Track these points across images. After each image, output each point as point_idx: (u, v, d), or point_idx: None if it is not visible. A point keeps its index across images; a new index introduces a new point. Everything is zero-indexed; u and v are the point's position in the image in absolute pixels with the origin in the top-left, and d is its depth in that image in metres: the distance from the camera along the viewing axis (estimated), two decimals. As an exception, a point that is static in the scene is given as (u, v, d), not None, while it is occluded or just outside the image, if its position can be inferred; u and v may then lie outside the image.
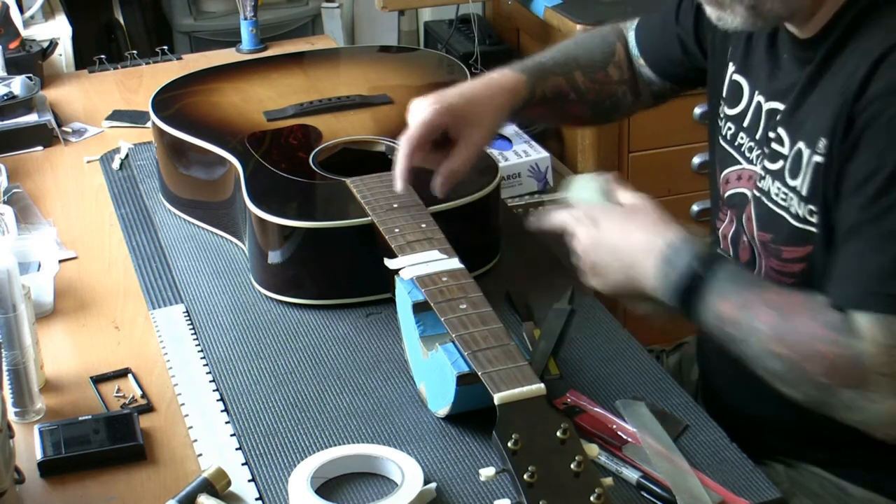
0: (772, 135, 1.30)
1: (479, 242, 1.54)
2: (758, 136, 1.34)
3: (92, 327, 1.48)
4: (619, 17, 2.38)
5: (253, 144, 1.63)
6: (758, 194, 1.31)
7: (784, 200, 1.27)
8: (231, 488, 1.16)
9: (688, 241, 1.23)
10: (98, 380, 1.36)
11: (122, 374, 1.37)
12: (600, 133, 2.46)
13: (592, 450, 0.99)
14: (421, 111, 1.40)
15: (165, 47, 2.48)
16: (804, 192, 1.24)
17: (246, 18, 2.46)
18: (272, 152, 1.61)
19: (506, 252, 1.58)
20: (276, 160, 1.58)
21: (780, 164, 1.28)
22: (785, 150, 1.27)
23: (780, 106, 1.29)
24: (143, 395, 1.33)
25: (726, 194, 1.39)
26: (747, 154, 1.36)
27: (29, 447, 1.23)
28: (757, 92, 1.35)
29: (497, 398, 1.06)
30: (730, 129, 1.40)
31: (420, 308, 1.27)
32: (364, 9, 3.27)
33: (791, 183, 1.25)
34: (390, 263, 1.33)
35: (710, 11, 1.26)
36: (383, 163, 1.62)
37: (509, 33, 2.84)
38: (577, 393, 1.29)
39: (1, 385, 1.18)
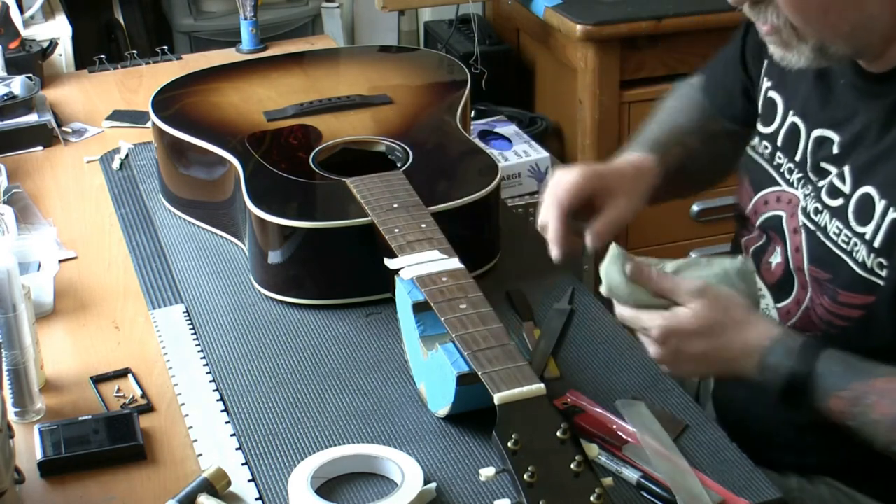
0: (826, 166, 1.27)
1: (479, 242, 1.54)
2: (798, 159, 1.32)
3: (92, 327, 1.48)
4: (620, 16, 2.40)
5: (253, 144, 1.63)
6: (811, 227, 1.28)
7: (846, 244, 1.23)
8: (231, 488, 1.16)
9: (780, 339, 1.19)
10: (98, 380, 1.36)
11: (122, 374, 1.37)
12: (600, 133, 2.46)
13: (592, 450, 0.99)
14: (568, 174, 1.35)
15: (165, 47, 2.48)
16: (876, 244, 1.20)
17: (246, 18, 2.46)
18: (272, 152, 1.61)
19: (506, 252, 1.58)
20: (276, 160, 1.58)
21: (839, 201, 1.25)
22: (846, 189, 1.24)
23: (834, 136, 1.27)
24: (143, 395, 1.33)
25: (764, 215, 1.37)
26: (787, 176, 1.34)
27: (29, 447, 1.23)
28: (792, 112, 1.34)
29: (497, 398, 1.06)
30: (766, 147, 1.38)
31: (420, 308, 1.27)
32: (364, 9, 3.27)
33: (857, 229, 1.22)
34: (390, 263, 1.33)
35: (775, 50, 1.24)
36: (383, 163, 1.62)
37: (509, 33, 2.84)
38: (577, 393, 1.29)
39: (1, 385, 1.18)
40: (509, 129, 2.49)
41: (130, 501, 1.17)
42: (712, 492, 1.14)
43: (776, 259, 1.35)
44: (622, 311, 1.25)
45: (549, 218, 1.34)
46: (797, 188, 1.32)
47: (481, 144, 1.71)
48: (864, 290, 1.22)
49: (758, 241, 1.39)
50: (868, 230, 1.21)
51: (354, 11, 3.30)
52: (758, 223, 1.38)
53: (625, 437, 1.22)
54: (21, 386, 1.28)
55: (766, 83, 1.39)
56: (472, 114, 2.46)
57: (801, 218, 1.30)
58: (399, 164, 1.58)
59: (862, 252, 1.22)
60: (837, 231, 1.25)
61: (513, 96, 2.77)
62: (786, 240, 1.33)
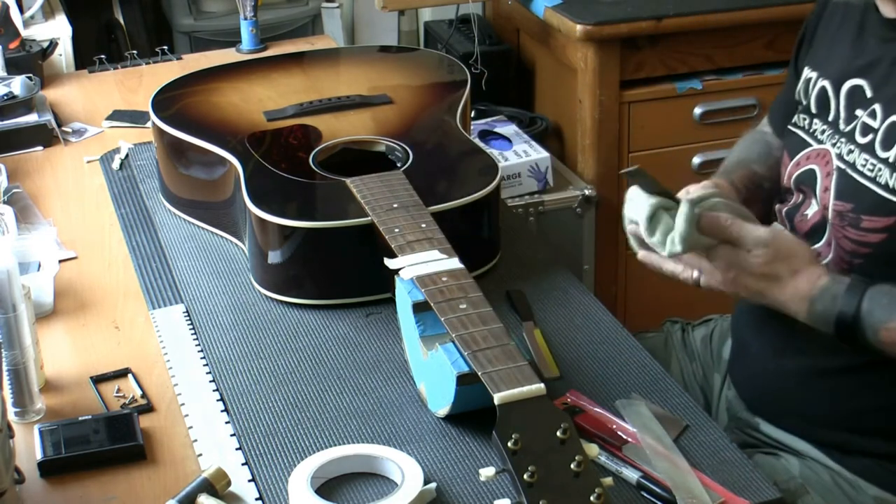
0: (859, 112, 1.34)
1: (479, 242, 1.54)
2: (831, 118, 1.39)
3: (92, 327, 1.48)
4: (620, 16, 2.40)
5: (253, 144, 1.63)
6: (842, 166, 1.35)
7: (871, 171, 1.31)
8: (231, 488, 1.16)
9: (826, 286, 1.28)
10: (98, 380, 1.36)
11: (122, 374, 1.37)
12: (600, 133, 2.46)
13: (592, 450, 0.99)
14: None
15: (165, 47, 2.48)
16: None
17: (246, 18, 2.46)
18: (272, 152, 1.61)
19: (506, 252, 1.58)
20: (276, 160, 1.58)
21: (870, 137, 1.32)
22: (876, 124, 1.32)
23: (864, 82, 1.35)
24: (143, 395, 1.33)
25: (795, 174, 1.43)
26: (819, 136, 1.40)
27: (29, 447, 1.23)
28: (821, 79, 1.41)
29: (497, 398, 1.06)
30: (804, 119, 1.45)
31: (420, 308, 1.27)
32: (364, 9, 3.27)
33: (882, 154, 1.30)
34: (390, 263, 1.33)
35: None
36: (383, 163, 1.62)
37: (509, 33, 2.84)
38: (577, 393, 1.29)
39: (1, 385, 1.18)
40: (509, 129, 2.48)
41: (130, 501, 1.17)
42: (712, 492, 1.14)
43: (810, 210, 1.41)
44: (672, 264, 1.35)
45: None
46: (825, 143, 1.39)
47: (481, 144, 1.71)
48: (885, 212, 1.29)
49: (791, 202, 1.44)
50: (892, 154, 1.29)
51: (354, 11, 3.30)
52: (792, 184, 1.44)
53: (625, 437, 1.22)
54: (21, 386, 1.28)
55: (807, 72, 1.46)
56: (472, 114, 2.46)
57: (836, 162, 1.36)
58: (399, 164, 1.58)
59: (885, 175, 1.29)
60: (864, 162, 1.32)
61: (513, 96, 2.77)
62: (816, 187, 1.39)
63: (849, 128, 1.36)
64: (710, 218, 1.29)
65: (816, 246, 1.38)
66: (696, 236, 1.29)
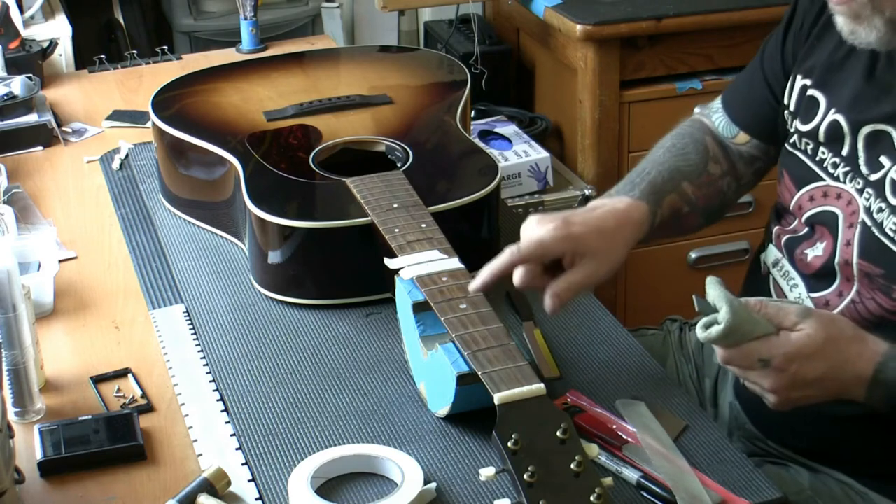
0: (885, 160, 1.27)
1: (480, 242, 1.54)
2: (845, 153, 1.32)
3: (92, 327, 1.48)
4: (620, 16, 2.40)
5: (253, 144, 1.63)
6: (869, 223, 1.28)
7: None
8: (231, 488, 1.16)
9: (889, 353, 1.18)
10: (98, 380, 1.36)
11: (122, 374, 1.37)
12: (600, 133, 2.46)
13: (592, 450, 0.99)
14: (539, 230, 1.27)
15: (165, 47, 2.48)
16: None
17: (246, 18, 2.46)
18: (272, 152, 1.62)
19: (506, 252, 1.58)
20: (276, 160, 1.58)
21: None
22: None
23: (892, 130, 1.27)
24: (143, 395, 1.33)
25: (812, 210, 1.36)
26: (831, 170, 1.34)
27: (29, 447, 1.23)
28: (834, 109, 1.33)
29: (497, 398, 1.06)
30: (807, 143, 1.38)
31: (420, 308, 1.27)
32: (364, 9, 3.27)
33: None
34: (390, 263, 1.33)
35: (844, 23, 1.22)
36: (383, 163, 1.62)
37: (509, 33, 2.84)
38: (577, 393, 1.29)
39: (1, 385, 1.18)
40: (509, 129, 2.49)
41: (130, 501, 1.17)
42: (712, 492, 1.14)
43: (815, 252, 1.35)
44: (730, 353, 1.17)
45: (498, 260, 1.26)
46: (845, 182, 1.32)
47: (481, 144, 1.71)
48: None
49: (796, 233, 1.39)
50: None
51: (354, 11, 3.30)
52: (804, 217, 1.37)
53: (625, 437, 1.22)
54: (21, 386, 1.28)
55: (802, 81, 1.39)
56: (472, 114, 2.46)
57: (862, 215, 1.29)
58: (399, 164, 1.58)
59: None
60: (894, 227, 1.25)
61: (513, 96, 2.77)
62: (838, 235, 1.32)
63: (875, 177, 1.27)
64: (745, 301, 1.17)
65: (821, 294, 1.33)
66: (740, 319, 1.15)
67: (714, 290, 1.16)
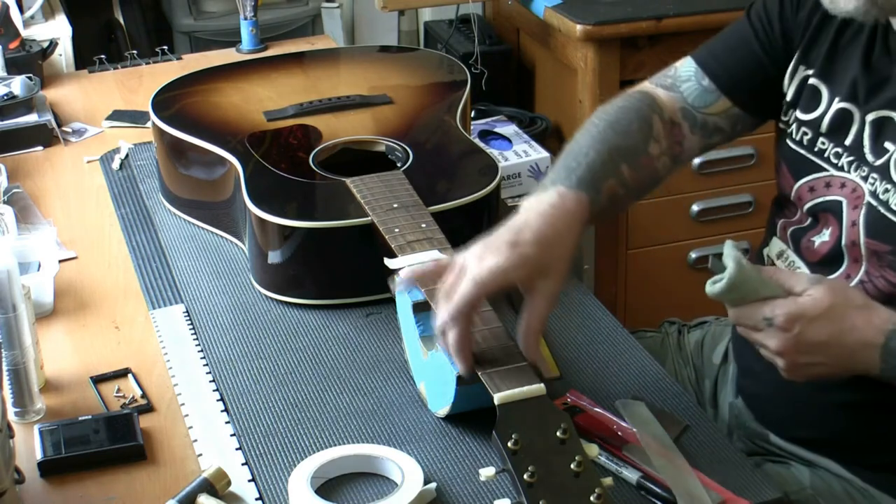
0: (889, 145, 1.27)
1: (479, 242, 1.54)
2: (848, 143, 1.32)
3: (92, 327, 1.48)
4: (620, 16, 2.40)
5: (253, 144, 1.63)
6: (874, 203, 1.28)
7: None
8: (231, 488, 1.16)
9: None
10: (98, 380, 1.36)
11: (122, 374, 1.37)
12: (600, 133, 2.46)
13: (592, 450, 0.99)
14: (496, 259, 1.19)
15: (165, 47, 2.48)
16: None
17: (246, 18, 2.46)
18: (272, 152, 1.62)
19: (506, 252, 1.57)
20: (276, 160, 1.58)
21: None
22: None
23: (894, 115, 1.27)
24: (143, 395, 1.33)
25: (814, 201, 1.36)
26: (834, 160, 1.33)
27: (29, 447, 1.23)
28: (839, 98, 1.33)
29: (497, 398, 1.06)
30: (806, 133, 1.37)
31: (420, 308, 1.27)
32: (364, 9, 3.27)
33: None
34: (390, 263, 1.33)
35: None
36: (383, 163, 1.62)
37: (509, 33, 2.84)
38: (577, 393, 1.29)
39: (1, 385, 1.18)
40: (509, 129, 2.48)
41: (130, 501, 1.17)
42: (712, 492, 1.14)
43: (822, 238, 1.35)
44: (737, 311, 1.19)
45: (455, 315, 1.16)
46: (849, 171, 1.32)
47: (481, 144, 1.71)
48: None
49: (801, 223, 1.39)
50: None
51: (354, 11, 3.30)
52: (805, 208, 1.37)
53: (625, 437, 1.22)
54: (21, 386, 1.28)
55: (803, 71, 1.38)
56: (472, 114, 2.46)
57: (868, 198, 1.29)
58: (399, 164, 1.58)
59: None
60: None
61: (513, 96, 2.77)
62: (842, 220, 1.32)
63: (880, 161, 1.28)
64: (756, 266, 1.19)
65: (831, 277, 1.32)
66: (746, 278, 1.17)
67: (727, 250, 1.18)
